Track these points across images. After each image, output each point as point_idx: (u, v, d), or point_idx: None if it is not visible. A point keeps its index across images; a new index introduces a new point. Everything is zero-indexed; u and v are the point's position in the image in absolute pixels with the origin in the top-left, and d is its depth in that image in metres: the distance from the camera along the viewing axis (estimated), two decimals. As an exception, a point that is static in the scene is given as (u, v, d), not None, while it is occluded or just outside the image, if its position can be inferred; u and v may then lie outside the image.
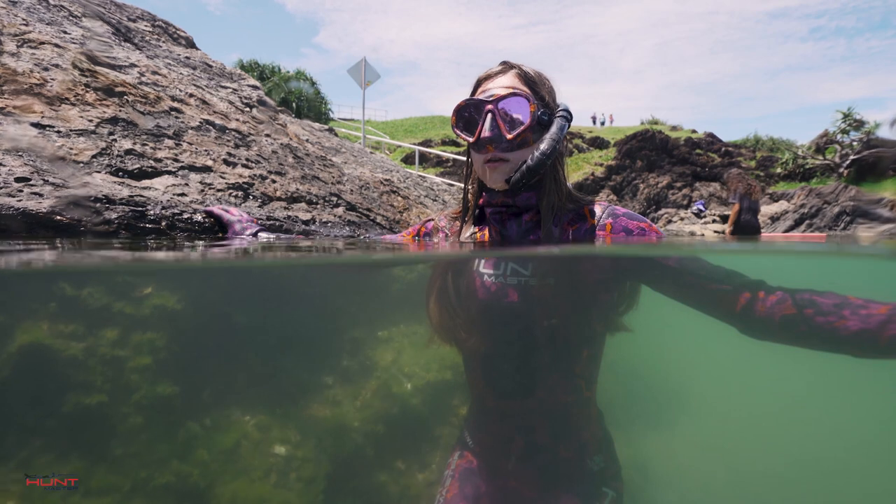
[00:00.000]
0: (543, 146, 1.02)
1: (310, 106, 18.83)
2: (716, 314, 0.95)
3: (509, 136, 1.02)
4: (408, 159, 20.03)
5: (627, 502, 1.22)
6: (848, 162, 19.22)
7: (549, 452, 1.18)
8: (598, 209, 1.10)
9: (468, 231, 1.21)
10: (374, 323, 2.26)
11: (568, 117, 1.07)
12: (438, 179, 10.52)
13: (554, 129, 1.04)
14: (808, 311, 0.85)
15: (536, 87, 1.08)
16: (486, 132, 1.02)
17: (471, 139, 1.06)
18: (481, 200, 1.17)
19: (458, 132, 1.10)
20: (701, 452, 3.32)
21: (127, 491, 1.30)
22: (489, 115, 1.03)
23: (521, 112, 1.03)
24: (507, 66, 1.10)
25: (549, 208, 1.08)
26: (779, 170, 21.07)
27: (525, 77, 1.08)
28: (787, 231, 14.91)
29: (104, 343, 1.39)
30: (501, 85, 1.06)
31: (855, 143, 19.74)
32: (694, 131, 26.69)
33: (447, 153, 17.35)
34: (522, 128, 1.02)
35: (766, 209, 16.56)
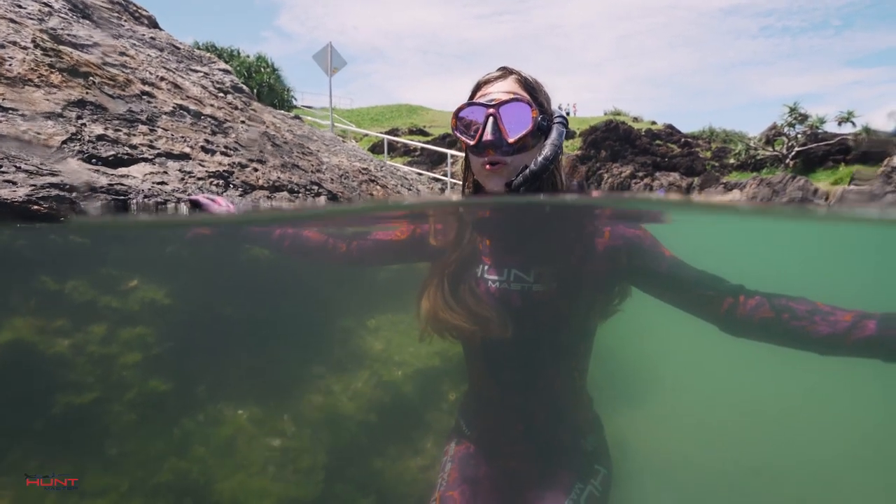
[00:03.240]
0: (546, 151, 1.04)
1: (272, 92, 18.15)
2: (701, 315, 1.04)
3: (511, 140, 1.03)
4: (375, 148, 19.72)
5: (615, 478, 1.29)
6: (793, 153, 20.39)
7: (547, 435, 1.24)
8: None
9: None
10: (363, 312, 2.25)
11: (565, 124, 1.10)
12: (407, 168, 10.45)
13: (554, 134, 1.07)
14: (785, 316, 0.95)
15: (535, 94, 1.10)
16: (487, 136, 1.03)
17: (471, 142, 1.06)
18: None
19: (458, 135, 1.10)
20: (673, 434, 3.50)
21: (125, 491, 1.24)
22: (491, 119, 1.03)
23: (523, 117, 1.04)
24: (506, 72, 1.11)
25: None
26: (732, 160, 22.09)
27: (524, 83, 1.10)
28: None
29: (92, 339, 1.32)
30: (502, 90, 1.07)
31: (799, 136, 20.95)
32: (654, 122, 27.53)
33: (415, 142, 17.23)
34: (524, 132, 1.03)
35: (722, 199, 17.39)
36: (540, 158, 1.04)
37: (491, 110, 1.03)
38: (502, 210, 1.21)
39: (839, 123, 20.28)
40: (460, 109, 1.09)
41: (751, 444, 3.41)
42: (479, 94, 1.11)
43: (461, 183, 1.25)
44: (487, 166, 1.06)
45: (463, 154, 1.16)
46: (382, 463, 1.83)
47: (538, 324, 1.14)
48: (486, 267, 1.16)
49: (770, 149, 21.60)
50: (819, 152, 19.99)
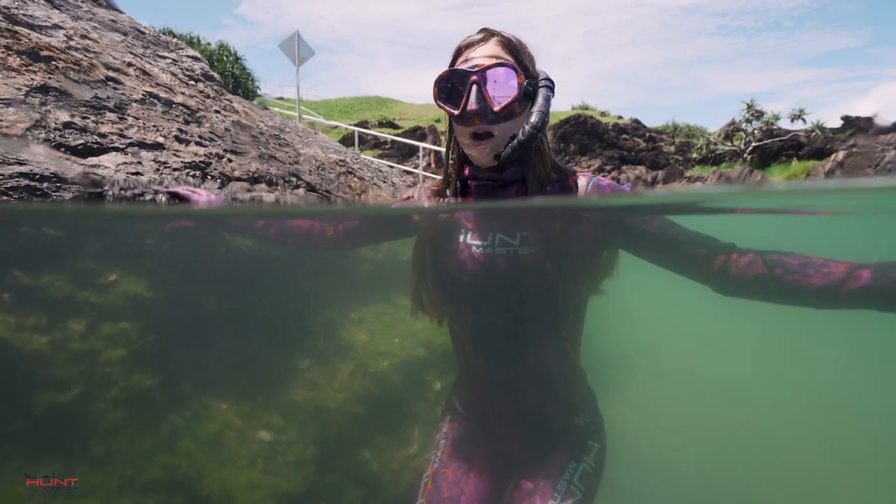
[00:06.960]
0: (534, 119, 1.00)
1: (236, 82, 17.48)
2: (693, 275, 1.02)
3: (496, 109, 0.99)
4: (344, 141, 19.38)
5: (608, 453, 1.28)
6: (750, 148, 21.35)
7: (540, 413, 1.22)
8: (582, 180, 1.10)
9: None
10: (346, 304, 2.23)
11: (551, 87, 1.06)
12: (379, 161, 10.35)
13: (540, 100, 1.03)
14: (777, 271, 0.93)
15: (520, 56, 1.05)
16: (472, 105, 0.98)
17: (455, 111, 1.02)
18: (466, 171, 1.14)
19: (441, 104, 1.05)
20: (653, 414, 3.58)
21: (114, 490, 1.19)
22: (474, 87, 0.98)
23: (508, 83, 0.99)
24: (488, 34, 1.05)
25: (535, 180, 1.07)
26: (694, 155, 22.91)
27: (508, 45, 1.04)
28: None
29: (72, 336, 1.25)
30: (484, 54, 1.02)
31: (756, 132, 21.94)
32: (620, 117, 28.18)
33: (385, 135, 17.09)
34: (510, 100, 0.99)
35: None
36: (528, 127, 1.00)
37: (474, 77, 0.98)
38: (482, 176, 1.16)
39: (792, 120, 21.32)
40: (441, 77, 1.04)
41: (747, 428, 3.45)
42: (460, 59, 1.05)
43: (445, 152, 1.18)
44: (475, 141, 1.02)
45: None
46: (370, 453, 1.83)
47: (525, 290, 1.10)
48: (469, 233, 1.12)
49: (729, 144, 22.50)
50: (774, 147, 20.99)
